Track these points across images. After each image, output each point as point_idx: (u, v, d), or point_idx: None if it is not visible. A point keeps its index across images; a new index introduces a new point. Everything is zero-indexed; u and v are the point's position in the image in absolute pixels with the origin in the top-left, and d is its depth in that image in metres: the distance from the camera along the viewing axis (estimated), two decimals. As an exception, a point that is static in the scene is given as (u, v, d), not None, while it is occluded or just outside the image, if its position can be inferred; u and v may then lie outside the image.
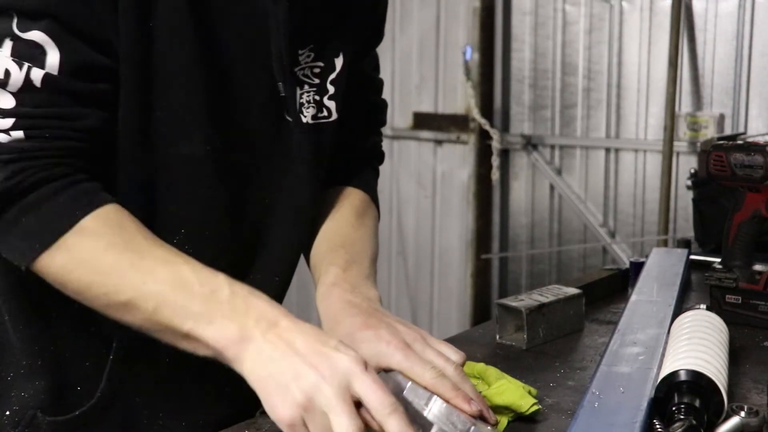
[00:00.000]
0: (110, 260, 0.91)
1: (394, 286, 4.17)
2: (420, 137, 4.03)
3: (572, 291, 1.40)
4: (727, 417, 0.98)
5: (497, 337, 1.35)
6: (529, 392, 1.06)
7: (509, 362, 1.25)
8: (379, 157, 1.36)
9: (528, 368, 1.22)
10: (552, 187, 3.78)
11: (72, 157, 0.94)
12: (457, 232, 4.00)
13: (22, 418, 1.07)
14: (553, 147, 3.75)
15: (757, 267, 1.43)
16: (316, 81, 1.10)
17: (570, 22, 3.64)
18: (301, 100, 1.09)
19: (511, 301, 1.34)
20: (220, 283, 0.91)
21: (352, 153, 1.27)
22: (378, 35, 1.26)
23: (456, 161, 3.96)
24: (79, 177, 0.94)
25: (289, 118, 1.08)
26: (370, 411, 0.83)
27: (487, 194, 3.94)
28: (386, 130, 4.07)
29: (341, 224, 1.19)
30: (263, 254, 1.12)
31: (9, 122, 0.91)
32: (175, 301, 0.89)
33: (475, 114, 3.81)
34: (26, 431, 1.07)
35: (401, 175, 4.10)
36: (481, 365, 1.13)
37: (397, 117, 4.05)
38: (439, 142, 3.99)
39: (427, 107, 4.00)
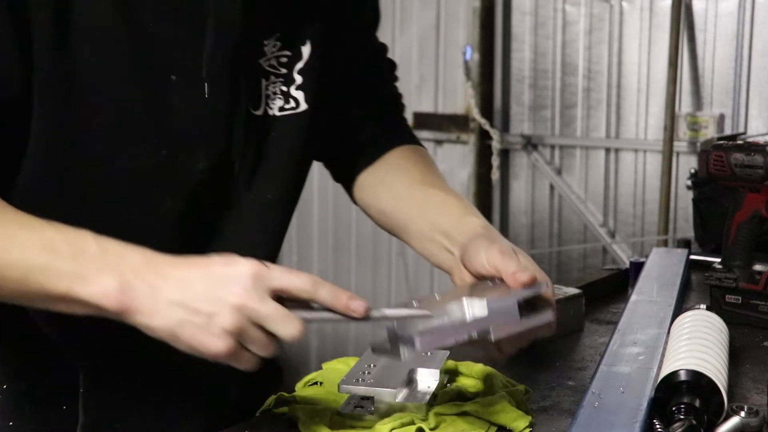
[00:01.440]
0: None
1: (394, 286, 4.17)
2: (420, 137, 3.99)
3: (572, 291, 1.40)
4: (727, 417, 0.98)
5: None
6: (526, 411, 1.04)
7: (509, 362, 1.24)
8: (401, 108, 1.33)
9: (528, 368, 1.22)
10: (552, 187, 3.78)
11: None
12: (457, 232, 4.00)
13: None
14: (553, 147, 3.75)
15: (757, 267, 1.43)
16: (283, 71, 1.07)
17: (570, 22, 3.64)
18: (267, 92, 1.06)
19: (511, 301, 1.34)
20: (87, 240, 0.86)
21: (385, 126, 1.25)
22: (362, 13, 1.21)
23: (456, 161, 3.96)
24: None
25: (255, 112, 1.04)
26: (299, 297, 0.85)
27: (487, 194, 3.94)
28: (386, 130, 4.08)
29: (434, 188, 1.17)
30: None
31: None
32: (43, 264, 0.85)
33: (475, 114, 3.81)
34: None
35: (401, 175, 4.10)
36: (480, 366, 1.12)
37: (397, 117, 4.05)
38: (439, 142, 3.99)
39: (427, 107, 4.00)
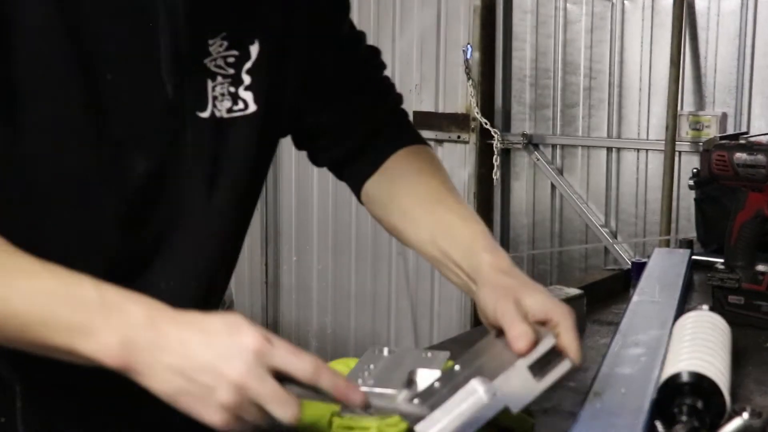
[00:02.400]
0: None
1: (394, 287, 4.17)
2: (421, 137, 4.02)
3: (573, 291, 1.39)
4: (730, 419, 0.97)
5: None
6: (529, 412, 1.03)
7: (509, 363, 1.23)
8: (399, 99, 1.28)
9: (528, 369, 1.21)
10: (553, 187, 3.77)
11: None
12: (458, 232, 3.99)
13: None
14: (554, 146, 3.75)
15: (760, 267, 1.42)
16: (231, 71, 1.02)
17: (571, 20, 3.63)
18: (214, 93, 1.01)
19: (511, 302, 1.33)
20: (86, 288, 0.84)
21: (380, 118, 1.22)
22: (322, 3, 1.15)
23: (457, 161, 3.95)
24: None
25: (201, 115, 1.00)
26: (299, 380, 0.83)
27: (488, 194, 3.93)
28: (387, 130, 4.07)
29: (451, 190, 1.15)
30: (173, 260, 1.03)
31: None
32: (43, 315, 0.83)
33: (476, 113, 3.80)
34: None
35: (402, 175, 4.09)
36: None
37: (398, 116, 4.04)
38: (439, 142, 3.98)
39: (427, 107, 3.99)
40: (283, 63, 1.08)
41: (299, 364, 0.83)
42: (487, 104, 3.84)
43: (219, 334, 0.83)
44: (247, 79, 1.03)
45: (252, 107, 1.04)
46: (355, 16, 4.68)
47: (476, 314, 3.80)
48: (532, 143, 3.77)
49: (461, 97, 3.89)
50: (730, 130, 3.27)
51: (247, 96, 1.03)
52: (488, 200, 3.93)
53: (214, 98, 1.01)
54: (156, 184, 0.99)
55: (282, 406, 0.81)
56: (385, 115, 1.24)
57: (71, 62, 0.91)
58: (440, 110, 3.97)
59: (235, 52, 1.02)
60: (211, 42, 1.00)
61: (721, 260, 1.47)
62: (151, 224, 1.01)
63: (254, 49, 1.03)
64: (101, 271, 0.88)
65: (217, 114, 1.01)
